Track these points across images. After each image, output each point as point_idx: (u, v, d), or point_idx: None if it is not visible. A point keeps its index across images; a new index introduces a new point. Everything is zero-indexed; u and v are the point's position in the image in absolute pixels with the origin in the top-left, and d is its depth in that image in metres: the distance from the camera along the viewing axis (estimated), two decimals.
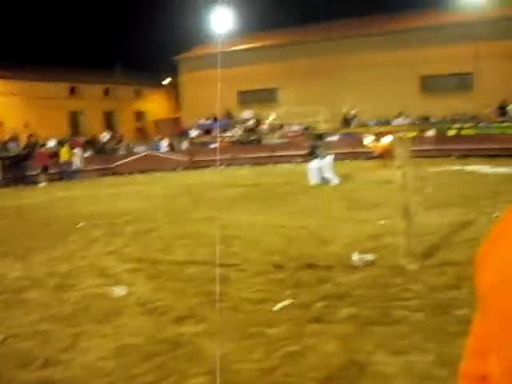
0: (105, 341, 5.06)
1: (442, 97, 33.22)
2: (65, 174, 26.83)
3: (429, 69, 33.73)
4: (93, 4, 66.07)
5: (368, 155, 24.11)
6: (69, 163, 27.14)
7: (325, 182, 16.93)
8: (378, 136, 22.23)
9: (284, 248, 8.35)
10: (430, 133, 27.46)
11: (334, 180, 16.93)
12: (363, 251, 7.47)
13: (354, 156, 26.88)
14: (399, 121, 29.41)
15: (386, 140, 20.23)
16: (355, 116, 30.35)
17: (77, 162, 27.82)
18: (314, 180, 17.00)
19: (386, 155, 19.37)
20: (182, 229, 10.67)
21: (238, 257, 7.79)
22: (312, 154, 17.20)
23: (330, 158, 17.23)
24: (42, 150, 27.12)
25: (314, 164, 16.91)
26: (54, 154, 27.11)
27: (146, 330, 5.24)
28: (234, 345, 4.70)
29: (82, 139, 29.45)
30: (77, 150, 28.14)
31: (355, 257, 7.11)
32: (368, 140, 22.72)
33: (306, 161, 17.54)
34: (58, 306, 6.22)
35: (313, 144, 17.65)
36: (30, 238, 10.91)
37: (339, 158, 26.56)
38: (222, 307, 5.75)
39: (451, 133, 27.09)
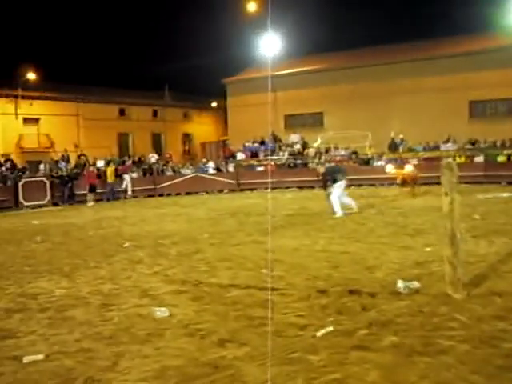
0: (146, 361, 5.08)
1: (491, 122, 32.80)
2: (110, 195, 27.22)
3: (478, 93, 33.33)
4: (143, 28, 67.36)
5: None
6: (114, 184, 27.50)
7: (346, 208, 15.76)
8: (401, 164, 22.95)
9: (328, 273, 8.28)
10: (479, 159, 27.02)
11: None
12: (408, 278, 7.36)
13: (401, 181, 26.57)
14: (447, 146, 29.03)
15: (408, 168, 20.87)
16: (402, 141, 30.07)
17: (127, 188, 28.28)
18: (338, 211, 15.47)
19: (409, 182, 20.33)
20: (226, 251, 10.69)
21: (282, 281, 7.75)
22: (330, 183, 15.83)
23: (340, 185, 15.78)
24: (90, 169, 27.58)
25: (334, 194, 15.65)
26: (102, 174, 27.57)
27: (187, 353, 5.24)
28: (275, 370, 4.66)
29: (130, 164, 29.79)
30: (126, 176, 28.59)
31: (400, 284, 7.00)
32: (389, 168, 22.24)
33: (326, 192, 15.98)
34: (101, 324, 6.27)
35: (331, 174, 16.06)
36: (76, 256, 11.07)
37: (385, 183, 26.49)
38: (264, 331, 5.72)
39: (501, 159, 26.62)
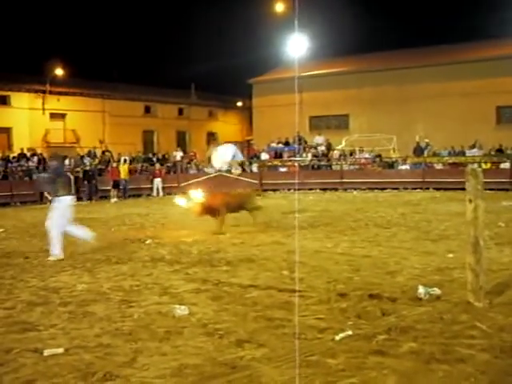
0: (164, 359, 5.10)
1: None
2: (123, 191, 27.35)
3: (505, 99, 33.01)
4: (171, 27, 67.68)
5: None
6: (127, 181, 27.63)
7: None
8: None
9: (349, 276, 8.26)
10: (505, 165, 26.75)
11: None
12: (429, 284, 7.30)
13: (424, 185, 26.48)
14: (473, 151, 28.79)
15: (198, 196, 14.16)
16: (428, 145, 29.87)
17: (158, 192, 28.48)
18: None
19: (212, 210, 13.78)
20: (247, 251, 10.70)
21: (302, 283, 7.73)
22: None
23: None
24: (114, 166, 27.76)
25: None
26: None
27: (205, 352, 5.25)
28: (292, 372, 4.65)
29: (163, 170, 29.94)
30: (156, 180, 28.77)
31: (421, 290, 6.95)
32: (182, 202, 15.40)
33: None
34: (120, 320, 6.31)
35: None
36: (98, 251, 11.16)
37: (409, 187, 26.36)
38: (283, 333, 5.71)
39: None
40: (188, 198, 14.82)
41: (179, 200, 15.58)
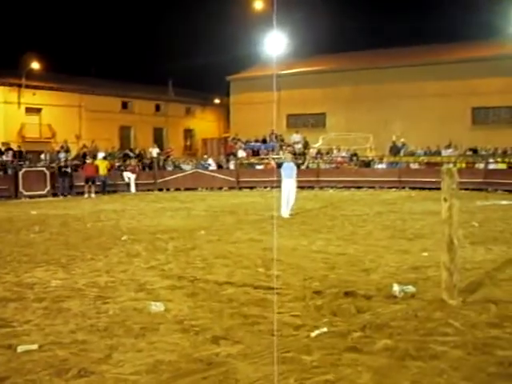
0: (139, 355, 5.08)
1: (493, 129, 32.81)
2: (102, 187, 27.14)
3: (480, 100, 33.37)
4: (149, 22, 67.36)
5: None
6: (106, 177, 27.43)
7: None
8: None
9: (324, 274, 8.29)
10: (480, 165, 27.04)
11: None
12: (404, 282, 7.37)
13: (400, 184, 26.67)
14: (449, 151, 29.06)
15: None
16: (404, 144, 30.09)
17: (130, 185, 28.32)
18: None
19: None
20: (223, 249, 10.70)
21: (278, 280, 7.75)
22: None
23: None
24: (88, 162, 27.54)
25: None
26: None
27: (180, 348, 5.24)
28: (267, 369, 4.66)
29: (135, 167, 29.73)
30: (130, 175, 28.58)
31: (396, 287, 7.01)
32: None
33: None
34: (95, 317, 6.28)
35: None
36: (73, 247, 11.08)
37: (385, 186, 26.53)
38: (259, 330, 5.73)
39: (501, 166, 26.64)
40: None
41: None
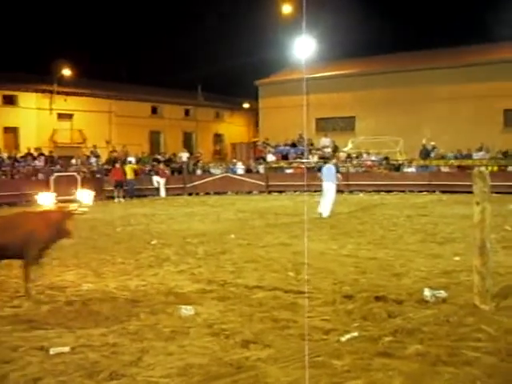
0: (170, 359, 5.11)
1: None
2: (128, 192, 27.35)
3: None
4: (178, 28, 67.81)
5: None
6: (133, 181, 27.62)
7: None
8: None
9: (355, 278, 8.25)
10: None
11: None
12: (436, 287, 7.29)
13: (431, 188, 26.41)
14: (480, 154, 28.68)
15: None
16: (434, 148, 29.79)
17: (160, 190, 28.46)
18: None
19: None
20: (253, 253, 10.70)
21: (308, 284, 7.72)
22: None
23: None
24: (117, 166, 27.75)
25: None
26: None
27: (211, 352, 5.26)
28: (298, 373, 4.65)
29: (163, 169, 29.85)
30: (159, 179, 28.73)
31: (427, 292, 6.94)
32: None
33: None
34: (126, 320, 6.33)
35: None
36: (103, 251, 11.18)
37: (415, 190, 26.29)
38: (289, 334, 5.72)
39: None
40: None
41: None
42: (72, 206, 8.65)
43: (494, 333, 5.55)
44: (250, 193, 29.08)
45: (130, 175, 27.37)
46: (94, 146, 32.06)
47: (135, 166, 28.47)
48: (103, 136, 38.01)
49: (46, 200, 10.99)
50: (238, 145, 47.78)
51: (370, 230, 13.76)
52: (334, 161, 19.07)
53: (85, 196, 9.33)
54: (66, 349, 5.38)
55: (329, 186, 16.68)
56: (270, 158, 32.40)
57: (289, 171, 31.18)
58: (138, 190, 27.65)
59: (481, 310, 6.31)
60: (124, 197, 26.73)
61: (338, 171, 17.16)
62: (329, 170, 17.12)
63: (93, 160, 29.62)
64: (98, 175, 27.17)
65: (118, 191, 26.63)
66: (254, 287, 7.78)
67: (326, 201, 16.57)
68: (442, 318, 6.10)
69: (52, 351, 5.31)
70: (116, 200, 26.15)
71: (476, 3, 55.70)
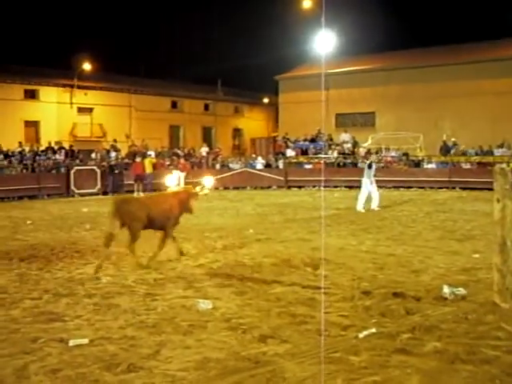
0: (188, 352, 5.13)
1: None
2: (148, 186, 27.42)
3: None
4: (198, 24, 67.86)
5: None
6: (152, 175, 27.65)
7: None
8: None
9: (373, 275, 8.23)
10: None
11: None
12: (454, 284, 7.24)
13: (451, 185, 26.23)
14: (501, 151, 28.41)
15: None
16: (455, 144, 29.57)
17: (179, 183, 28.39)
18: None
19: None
20: (272, 247, 10.71)
21: (326, 280, 7.71)
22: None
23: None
24: (137, 160, 27.83)
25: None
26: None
27: (228, 346, 5.27)
28: (315, 369, 4.65)
29: (184, 163, 29.82)
30: (179, 173, 28.70)
31: (446, 289, 6.89)
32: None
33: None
34: (145, 313, 6.37)
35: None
36: (123, 245, 11.22)
37: (435, 186, 26.12)
38: (307, 329, 5.72)
39: None
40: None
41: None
42: (197, 188, 10.44)
43: None
44: (269, 188, 29.07)
45: (148, 169, 27.45)
46: (115, 140, 32.19)
47: (154, 160, 28.54)
48: (123, 130, 38.12)
49: (172, 181, 12.53)
50: (257, 140, 47.77)
51: (388, 227, 13.70)
52: (373, 158, 20.73)
53: (208, 180, 11.08)
54: (85, 341, 5.43)
55: (365, 181, 17.69)
56: (290, 153, 32.36)
57: (308, 166, 31.13)
58: (157, 185, 27.70)
59: (500, 308, 6.26)
60: (144, 191, 26.82)
61: (370, 167, 17.96)
62: (367, 166, 18.21)
63: (113, 154, 29.76)
64: (117, 169, 27.26)
65: (137, 185, 26.74)
66: (272, 282, 7.79)
67: (365, 196, 17.51)
68: (461, 315, 6.07)
69: (71, 343, 5.36)
70: (135, 194, 26.25)
71: None
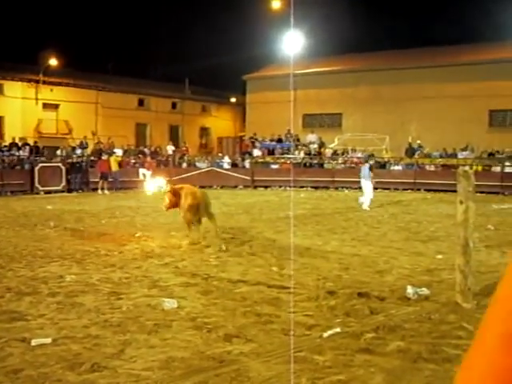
0: (152, 352, 5.11)
1: (510, 132, 32.53)
2: (114, 184, 27.26)
3: (498, 103, 33.03)
4: (165, 21, 67.57)
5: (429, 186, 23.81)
6: (117, 173, 27.50)
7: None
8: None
9: (338, 275, 8.28)
10: (496, 168, 26.87)
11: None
12: (418, 284, 7.34)
13: (416, 186, 26.54)
14: (465, 154, 28.87)
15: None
16: (420, 146, 29.95)
17: (148, 185, 28.19)
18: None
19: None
20: (237, 247, 10.71)
21: (291, 280, 7.75)
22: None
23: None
24: (103, 158, 27.63)
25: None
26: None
27: (193, 345, 5.26)
28: (280, 368, 4.67)
29: (150, 161, 29.68)
30: (145, 171, 28.51)
31: (409, 290, 6.98)
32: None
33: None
34: (109, 312, 6.32)
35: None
36: (88, 243, 11.14)
37: (400, 188, 26.41)
38: (272, 329, 5.73)
39: None
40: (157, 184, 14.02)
41: (149, 185, 15.39)
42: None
43: (474, 330, 5.58)
44: (235, 187, 29.07)
45: (114, 167, 27.28)
46: (85, 137, 31.91)
47: (119, 158, 28.37)
48: (89, 127, 37.74)
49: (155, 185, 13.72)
50: (224, 139, 47.73)
51: (354, 227, 13.81)
52: (372, 162, 22.08)
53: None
54: (48, 340, 5.36)
55: (365, 183, 18.49)
56: (256, 152, 32.42)
57: (275, 166, 31.22)
58: (123, 183, 27.55)
59: (462, 307, 6.36)
60: (109, 189, 26.64)
61: (371, 169, 18.93)
62: (365, 169, 18.99)
63: (78, 151, 29.46)
64: (81, 165, 27.04)
65: (102, 183, 26.55)
66: (237, 281, 7.79)
67: (366, 195, 18.38)
68: (424, 315, 6.15)
69: (33, 342, 5.29)
70: (100, 192, 26.06)
71: (465, 3, 55.88)
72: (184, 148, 36.03)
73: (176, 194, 11.51)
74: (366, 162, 21.15)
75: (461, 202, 6.52)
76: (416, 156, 29.40)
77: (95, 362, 4.83)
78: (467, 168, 7.07)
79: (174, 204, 11.57)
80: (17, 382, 4.49)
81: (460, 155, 28.91)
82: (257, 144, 33.45)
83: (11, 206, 19.53)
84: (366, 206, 18.09)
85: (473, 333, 5.53)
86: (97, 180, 26.77)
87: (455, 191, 6.69)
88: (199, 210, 11.18)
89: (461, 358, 4.85)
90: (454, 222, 6.80)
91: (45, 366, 4.77)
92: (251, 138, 34.95)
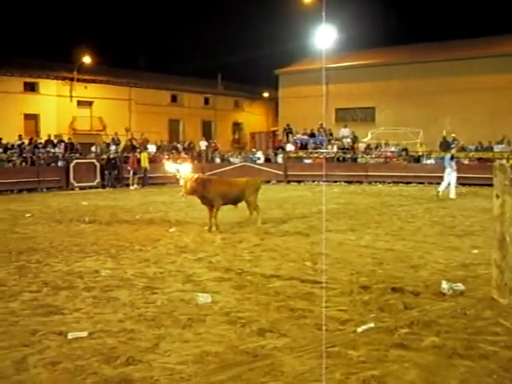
0: (186, 346, 5.14)
1: None
2: (144, 180, 27.47)
3: None
4: (198, 17, 67.77)
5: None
6: (146, 169, 27.77)
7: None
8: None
9: (372, 269, 8.23)
10: None
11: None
12: (453, 280, 7.25)
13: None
14: (501, 147, 28.39)
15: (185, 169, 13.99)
16: (454, 139, 29.54)
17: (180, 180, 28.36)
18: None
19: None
20: (271, 242, 10.71)
21: (325, 275, 7.73)
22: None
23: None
24: (136, 154, 27.85)
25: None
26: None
27: (227, 340, 5.28)
28: (313, 363, 4.66)
29: (184, 157, 29.82)
30: (178, 167, 28.59)
31: (444, 285, 6.90)
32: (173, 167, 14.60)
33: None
34: (144, 307, 6.38)
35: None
36: (122, 238, 11.25)
37: (434, 182, 26.11)
38: (305, 324, 5.72)
39: None
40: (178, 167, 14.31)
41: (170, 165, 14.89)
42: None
43: (511, 327, 5.52)
44: (268, 182, 29.04)
45: (144, 163, 27.50)
46: (116, 133, 32.22)
47: (150, 154, 28.56)
48: (123, 123, 38.07)
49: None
50: (257, 134, 47.76)
51: (388, 222, 13.71)
52: (453, 151, 22.95)
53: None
54: (84, 334, 5.43)
55: (448, 171, 19.67)
56: (289, 147, 32.35)
57: (308, 161, 31.13)
58: (156, 179, 27.71)
59: (499, 303, 6.27)
60: (138, 184, 26.90)
61: (452, 159, 20.11)
62: (447, 159, 20.27)
63: (112, 148, 29.75)
64: (115, 162, 27.30)
65: (133, 179, 26.82)
66: (270, 276, 7.80)
67: (452, 184, 19.53)
68: (459, 310, 6.08)
69: (70, 336, 5.37)
70: (132, 187, 26.30)
71: None
72: (213, 144, 36.10)
73: (201, 183, 12.59)
74: (445, 151, 22.33)
75: (497, 196, 6.42)
76: (451, 150, 29.01)
77: (130, 355, 4.88)
78: (503, 161, 6.95)
79: (193, 192, 12.59)
80: (54, 374, 4.56)
81: (496, 148, 28.42)
82: (290, 137, 33.34)
83: (47, 202, 19.82)
84: (452, 195, 19.22)
85: (510, 329, 5.45)
86: (129, 176, 27.05)
87: (491, 185, 6.59)
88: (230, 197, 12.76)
89: (498, 354, 4.80)
90: (490, 216, 6.70)
91: (81, 358, 4.83)
92: (285, 129, 34.81)
